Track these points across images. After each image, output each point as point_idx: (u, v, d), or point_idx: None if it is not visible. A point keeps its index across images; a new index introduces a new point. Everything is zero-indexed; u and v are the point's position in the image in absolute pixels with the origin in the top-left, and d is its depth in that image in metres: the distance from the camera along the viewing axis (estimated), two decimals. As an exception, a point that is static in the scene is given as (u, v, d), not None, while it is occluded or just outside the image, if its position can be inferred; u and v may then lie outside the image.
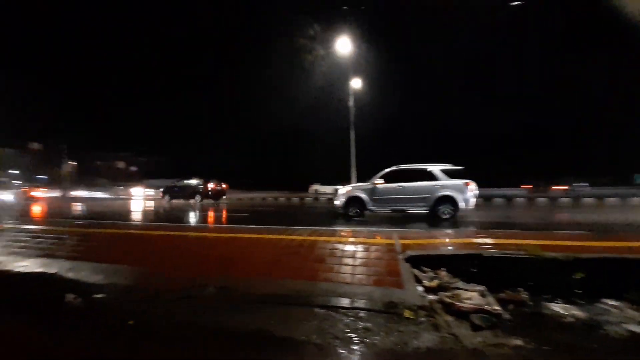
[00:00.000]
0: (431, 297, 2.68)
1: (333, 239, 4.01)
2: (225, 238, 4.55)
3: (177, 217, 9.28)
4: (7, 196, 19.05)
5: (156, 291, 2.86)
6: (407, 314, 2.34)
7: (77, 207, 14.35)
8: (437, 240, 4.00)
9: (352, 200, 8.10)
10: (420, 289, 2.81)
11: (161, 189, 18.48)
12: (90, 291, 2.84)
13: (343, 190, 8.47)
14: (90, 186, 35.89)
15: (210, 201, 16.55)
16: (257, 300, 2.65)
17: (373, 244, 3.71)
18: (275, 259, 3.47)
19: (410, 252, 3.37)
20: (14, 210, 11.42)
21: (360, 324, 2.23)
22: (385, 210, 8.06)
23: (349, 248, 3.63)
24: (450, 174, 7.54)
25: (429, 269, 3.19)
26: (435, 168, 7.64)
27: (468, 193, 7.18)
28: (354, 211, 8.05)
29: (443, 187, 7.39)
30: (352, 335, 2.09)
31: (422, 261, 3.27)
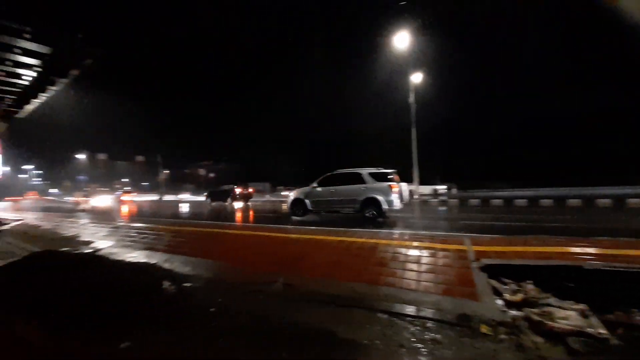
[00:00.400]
0: (514, 313, 2.35)
1: (395, 242, 3.86)
2: (288, 238, 4.78)
3: (245, 217, 10.14)
4: (108, 200, 24.94)
5: (232, 283, 3.19)
6: (484, 329, 2.10)
7: (171, 208, 16.90)
8: (520, 248, 3.49)
9: (296, 202, 9.07)
10: (499, 302, 2.50)
11: (205, 193, 21.91)
12: (180, 280, 3.31)
13: (292, 193, 9.57)
14: (179, 191, 42.03)
15: (241, 203, 18.91)
16: (320, 299, 2.71)
17: (441, 250, 3.45)
18: (336, 260, 3.51)
19: (486, 261, 3.03)
20: (116, 211, 14.07)
21: (428, 335, 2.09)
22: (322, 211, 8.77)
23: (413, 253, 3.44)
24: (379, 177, 7.87)
25: (510, 281, 2.80)
26: (364, 172, 8.09)
27: (392, 195, 7.47)
28: (298, 212, 8.98)
29: (369, 189, 7.80)
30: (419, 345, 1.97)
31: (502, 271, 2.89)
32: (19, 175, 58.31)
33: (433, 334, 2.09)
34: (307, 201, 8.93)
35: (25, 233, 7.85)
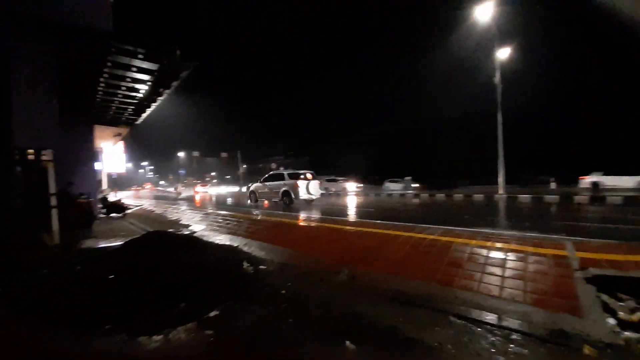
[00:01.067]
0: (630, 334, 1.90)
1: (474, 242, 3.48)
2: (353, 231, 4.79)
3: (303, 209, 10.54)
4: (188, 192, 29.04)
5: (300, 270, 3.39)
6: (587, 350, 1.76)
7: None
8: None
9: (251, 193, 13.40)
10: (611, 321, 2.04)
11: (248, 185, 24.87)
12: (257, 262, 3.67)
13: (251, 185, 13.89)
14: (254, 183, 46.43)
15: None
16: (384, 294, 2.66)
17: (533, 253, 2.97)
18: (403, 256, 3.38)
19: (595, 270, 2.49)
20: (207, 201, 16.19)
21: (513, 348, 1.85)
22: (264, 200, 12.85)
23: (496, 255, 3.06)
24: (294, 176, 11.57)
25: (628, 297, 2.26)
26: (285, 172, 12.03)
27: (298, 189, 11.20)
28: (252, 199, 13.22)
29: (285, 185, 11.64)
30: (500, 357, 1.77)
31: (617, 285, 2.34)
32: (138, 170, 73.11)
33: (519, 348, 1.85)
34: (256, 192, 13.06)
35: (142, 216, 9.81)
